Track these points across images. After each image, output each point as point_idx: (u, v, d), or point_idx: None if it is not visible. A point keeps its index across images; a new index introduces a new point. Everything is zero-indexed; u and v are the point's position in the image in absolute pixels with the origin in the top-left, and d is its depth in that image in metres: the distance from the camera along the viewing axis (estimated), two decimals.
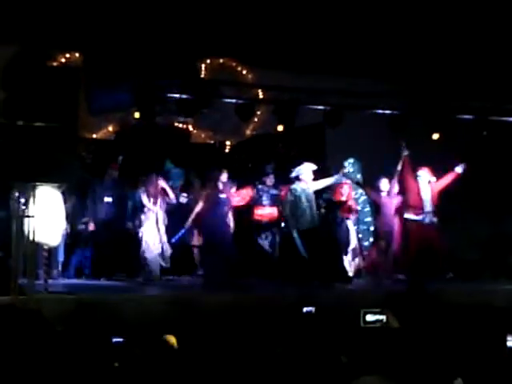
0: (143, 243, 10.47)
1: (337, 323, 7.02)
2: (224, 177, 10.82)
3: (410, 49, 12.01)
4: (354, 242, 11.21)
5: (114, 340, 6.40)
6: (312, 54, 11.89)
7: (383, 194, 11.39)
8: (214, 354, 6.15)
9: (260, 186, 11.44)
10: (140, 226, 10.55)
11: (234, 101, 10.61)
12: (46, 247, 8.80)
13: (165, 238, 10.66)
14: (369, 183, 11.55)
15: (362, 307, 7.23)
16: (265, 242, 11.41)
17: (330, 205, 11.13)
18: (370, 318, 7.03)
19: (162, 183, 10.69)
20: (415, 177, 11.25)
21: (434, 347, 5.94)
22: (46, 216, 8.36)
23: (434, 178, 11.27)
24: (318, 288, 10.09)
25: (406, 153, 11.12)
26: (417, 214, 11.17)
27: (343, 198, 11.08)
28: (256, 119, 12.03)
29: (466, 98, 11.32)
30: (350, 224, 11.17)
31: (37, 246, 8.41)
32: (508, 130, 11.53)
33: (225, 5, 11.42)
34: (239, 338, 6.74)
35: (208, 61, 12.22)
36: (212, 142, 12.74)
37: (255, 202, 11.41)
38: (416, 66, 12.02)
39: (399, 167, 11.19)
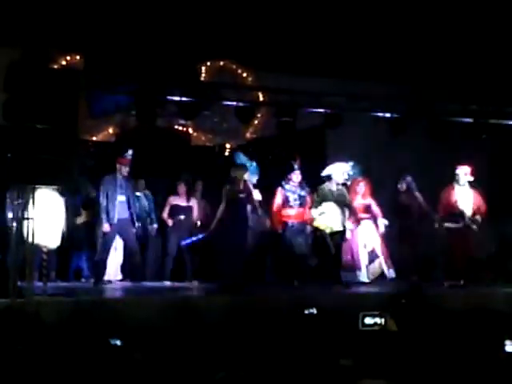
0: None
1: (335, 326, 7.01)
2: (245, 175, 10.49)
3: (409, 51, 12.02)
4: (371, 245, 10.71)
5: (113, 343, 6.39)
6: (312, 57, 11.90)
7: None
8: (214, 356, 6.14)
9: (287, 187, 10.81)
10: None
11: (234, 103, 10.58)
12: (44, 249, 8.79)
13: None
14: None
15: (361, 310, 7.21)
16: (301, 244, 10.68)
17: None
18: (368, 320, 7.01)
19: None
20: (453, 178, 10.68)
21: (432, 351, 5.94)
22: (45, 218, 8.35)
23: (471, 178, 10.60)
24: (318, 290, 9.99)
25: None
26: (454, 221, 10.48)
27: (359, 197, 10.78)
28: (256, 122, 12.02)
29: (466, 100, 11.29)
30: (369, 224, 10.77)
31: (36, 249, 8.40)
32: (508, 133, 11.49)
33: (225, 7, 11.44)
34: (239, 341, 6.73)
35: (208, 63, 12.23)
36: (212, 144, 12.73)
37: (283, 202, 10.79)
38: (415, 69, 12.03)
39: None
